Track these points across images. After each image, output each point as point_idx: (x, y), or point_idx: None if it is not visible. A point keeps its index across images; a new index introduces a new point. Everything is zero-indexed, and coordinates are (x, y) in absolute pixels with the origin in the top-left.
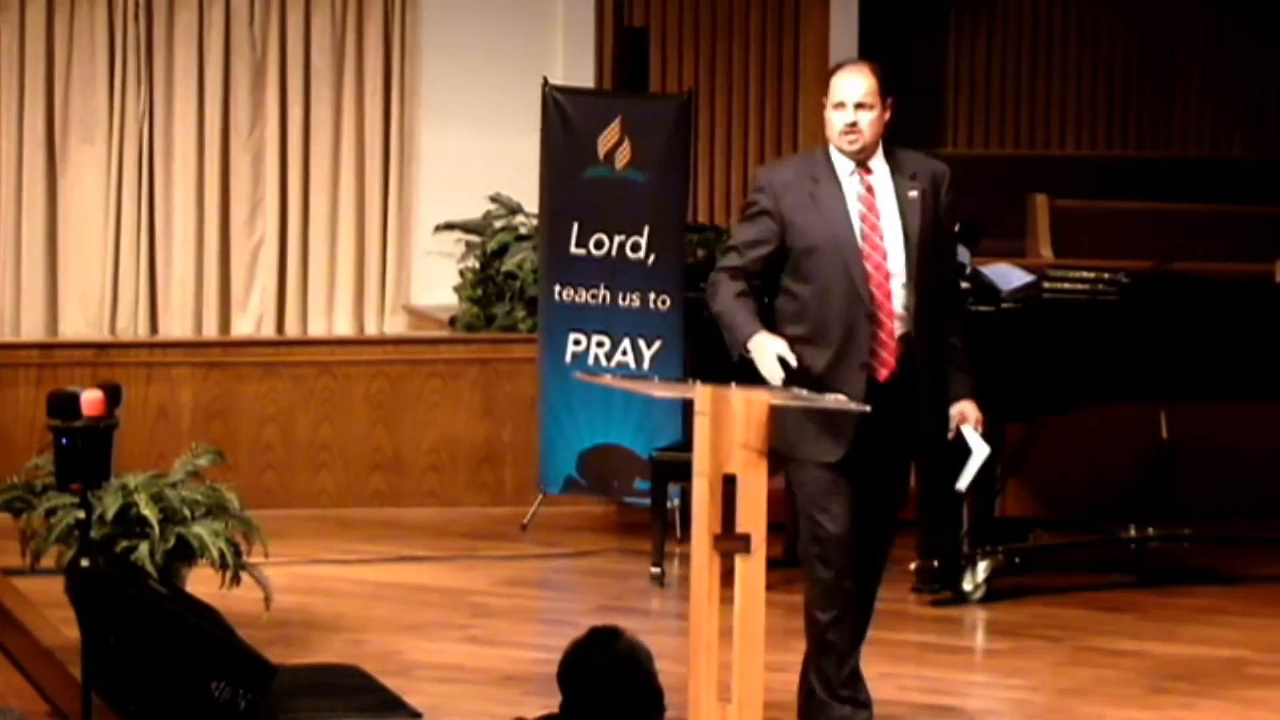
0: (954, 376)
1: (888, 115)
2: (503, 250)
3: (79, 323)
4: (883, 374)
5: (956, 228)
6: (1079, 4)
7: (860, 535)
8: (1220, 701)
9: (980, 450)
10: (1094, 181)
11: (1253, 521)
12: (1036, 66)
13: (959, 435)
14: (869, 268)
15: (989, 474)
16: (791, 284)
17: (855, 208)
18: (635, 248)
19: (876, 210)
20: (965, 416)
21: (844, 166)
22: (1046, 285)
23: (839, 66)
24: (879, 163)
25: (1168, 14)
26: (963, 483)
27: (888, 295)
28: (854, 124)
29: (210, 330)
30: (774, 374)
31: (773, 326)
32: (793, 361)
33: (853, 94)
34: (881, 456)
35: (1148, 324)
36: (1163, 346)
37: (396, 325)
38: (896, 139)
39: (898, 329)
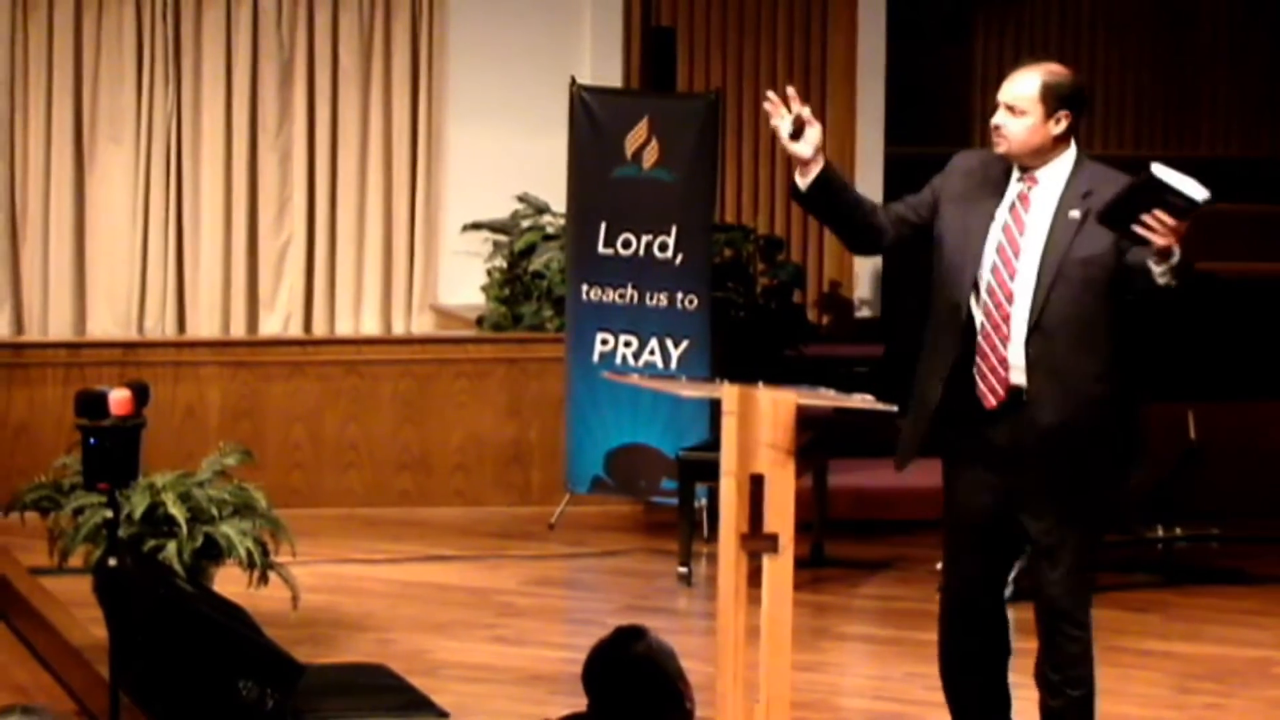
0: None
1: (1057, 127)
2: (530, 250)
3: (107, 322)
4: (990, 401)
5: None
6: (1106, 3)
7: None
8: (1247, 702)
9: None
10: None
11: None
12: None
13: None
14: (991, 280)
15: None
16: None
17: (1001, 215)
18: (663, 247)
19: (1022, 223)
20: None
21: (1017, 169)
22: None
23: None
24: (1052, 173)
25: (1195, 13)
26: (1160, 168)
27: (1005, 318)
28: (997, 126)
29: (238, 329)
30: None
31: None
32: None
33: (1005, 94)
34: (1018, 492)
35: (1175, 324)
36: (1190, 346)
37: (424, 325)
38: (921, 138)
39: (1011, 354)
